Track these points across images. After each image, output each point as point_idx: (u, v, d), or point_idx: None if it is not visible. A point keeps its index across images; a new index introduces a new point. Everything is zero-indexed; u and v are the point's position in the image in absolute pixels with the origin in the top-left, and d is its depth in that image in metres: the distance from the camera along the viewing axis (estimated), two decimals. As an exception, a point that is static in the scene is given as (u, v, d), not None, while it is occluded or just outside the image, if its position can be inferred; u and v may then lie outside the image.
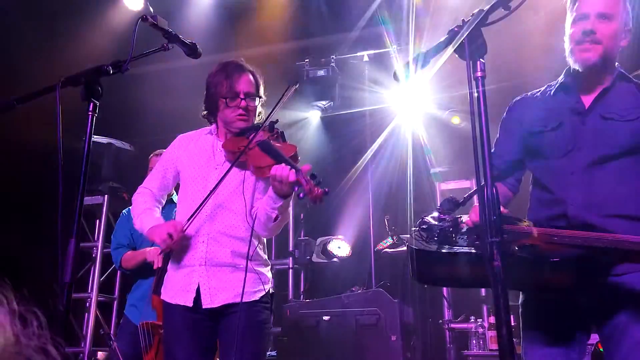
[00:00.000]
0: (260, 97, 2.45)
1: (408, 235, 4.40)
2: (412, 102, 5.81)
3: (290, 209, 5.09)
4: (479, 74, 1.38)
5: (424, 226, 1.88)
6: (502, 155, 2.08)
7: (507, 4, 1.49)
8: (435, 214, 1.91)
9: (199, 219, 2.28)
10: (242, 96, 2.35)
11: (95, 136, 5.01)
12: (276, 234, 2.50)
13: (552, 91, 2.04)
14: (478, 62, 1.38)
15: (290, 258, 5.35)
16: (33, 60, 6.10)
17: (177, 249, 2.30)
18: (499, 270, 1.12)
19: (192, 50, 2.22)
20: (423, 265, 1.84)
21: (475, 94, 1.38)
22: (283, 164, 2.10)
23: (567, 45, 1.95)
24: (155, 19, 2.09)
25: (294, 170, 2.08)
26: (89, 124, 1.69)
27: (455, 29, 1.43)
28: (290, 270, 5.35)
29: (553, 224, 1.84)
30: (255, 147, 2.25)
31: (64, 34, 6.23)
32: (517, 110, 2.11)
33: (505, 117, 2.15)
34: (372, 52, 6.17)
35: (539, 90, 2.10)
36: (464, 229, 1.81)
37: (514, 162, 2.09)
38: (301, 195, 2.05)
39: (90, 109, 1.68)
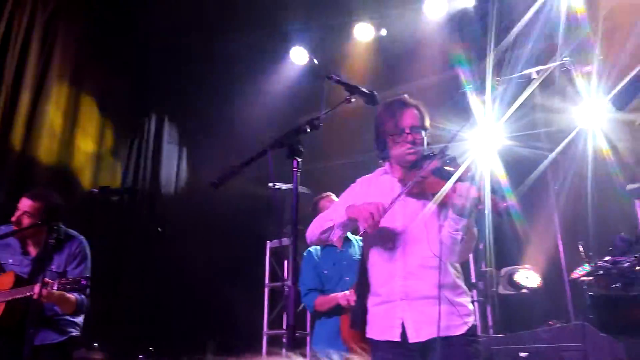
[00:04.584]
0: (426, 129, 2.47)
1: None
2: (594, 114, 5.33)
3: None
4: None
5: (600, 272, 1.70)
6: None
7: None
8: (608, 257, 1.73)
9: (392, 254, 2.35)
10: (407, 131, 2.40)
11: (278, 183, 5.46)
12: (466, 258, 2.45)
13: None
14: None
15: (475, 290, 5.16)
16: (219, 112, 6.99)
17: (374, 285, 2.38)
18: None
19: (371, 99, 2.36)
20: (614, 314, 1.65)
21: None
22: (461, 183, 2.10)
23: None
24: (338, 76, 2.28)
25: (474, 186, 2.06)
26: (295, 180, 1.88)
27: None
28: (475, 303, 5.15)
29: None
30: (430, 175, 2.28)
31: (241, 89, 7.05)
32: None
33: None
34: (539, 68, 5.84)
35: None
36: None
37: None
38: (486, 212, 2.03)
39: (295, 166, 1.87)
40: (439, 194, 2.22)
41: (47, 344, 3.13)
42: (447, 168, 2.29)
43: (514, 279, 4.82)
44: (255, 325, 6.34)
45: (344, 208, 2.47)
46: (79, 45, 6.11)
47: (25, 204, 3.24)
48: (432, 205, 2.32)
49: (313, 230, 2.50)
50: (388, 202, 2.35)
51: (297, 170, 1.89)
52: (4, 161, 5.15)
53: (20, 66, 5.40)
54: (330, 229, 2.43)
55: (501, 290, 4.93)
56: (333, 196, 3.79)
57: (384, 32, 6.66)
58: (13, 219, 3.22)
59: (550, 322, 4.04)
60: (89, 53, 6.20)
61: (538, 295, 4.83)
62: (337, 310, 3.42)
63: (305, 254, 3.77)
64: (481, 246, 5.55)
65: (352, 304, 3.22)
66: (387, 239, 2.37)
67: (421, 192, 2.33)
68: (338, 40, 6.96)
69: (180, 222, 7.05)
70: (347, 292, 3.40)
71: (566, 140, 5.37)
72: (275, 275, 6.52)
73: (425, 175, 2.29)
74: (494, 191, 2.05)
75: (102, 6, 6.17)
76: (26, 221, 3.20)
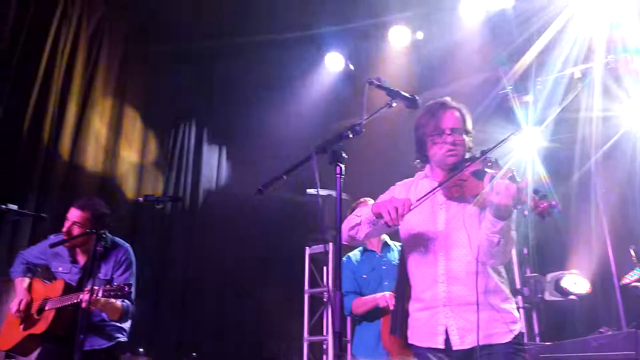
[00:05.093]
0: (467, 132, 2.42)
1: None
2: None
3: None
4: None
5: None
6: None
7: None
8: None
9: (434, 259, 2.30)
10: (448, 132, 2.35)
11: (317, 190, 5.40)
12: (504, 261, 2.36)
13: None
14: None
15: (520, 297, 5.01)
16: (257, 118, 7.09)
17: (415, 292, 2.34)
18: None
19: (412, 103, 2.32)
20: None
21: None
22: (500, 181, 2.03)
23: None
24: (379, 81, 2.26)
25: (514, 185, 2.00)
26: (338, 186, 1.87)
27: None
28: (521, 310, 5.00)
29: None
30: (469, 177, 2.23)
31: (278, 95, 7.12)
32: None
33: None
34: (583, 66, 5.68)
35: None
36: None
37: None
38: (526, 212, 1.97)
39: (338, 172, 1.86)
40: (479, 195, 2.16)
41: (95, 349, 3.21)
42: (488, 170, 2.24)
43: (561, 285, 4.65)
44: (295, 331, 6.35)
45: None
46: (122, 57, 6.29)
47: (74, 214, 3.33)
48: (472, 208, 2.26)
49: (343, 228, 2.45)
50: (429, 208, 2.30)
51: (340, 176, 1.88)
52: (54, 170, 5.34)
53: (67, 79, 5.59)
54: (358, 224, 2.39)
55: (547, 296, 4.75)
56: (370, 201, 3.75)
57: (420, 35, 6.60)
58: (64, 229, 3.32)
59: (602, 330, 3.88)
60: (132, 64, 6.38)
61: (586, 301, 4.65)
62: (376, 313, 3.38)
63: (344, 259, 3.75)
64: (525, 251, 5.40)
65: (392, 306, 3.17)
66: (428, 244, 2.33)
67: (462, 196, 2.28)
68: (373, 44, 6.94)
69: (221, 229, 7.15)
70: (387, 292, 3.36)
71: (613, 140, 5.19)
72: (315, 282, 6.52)
73: (465, 177, 2.24)
74: (535, 191, 1.99)
75: (143, 17, 6.33)
76: (76, 231, 3.30)
